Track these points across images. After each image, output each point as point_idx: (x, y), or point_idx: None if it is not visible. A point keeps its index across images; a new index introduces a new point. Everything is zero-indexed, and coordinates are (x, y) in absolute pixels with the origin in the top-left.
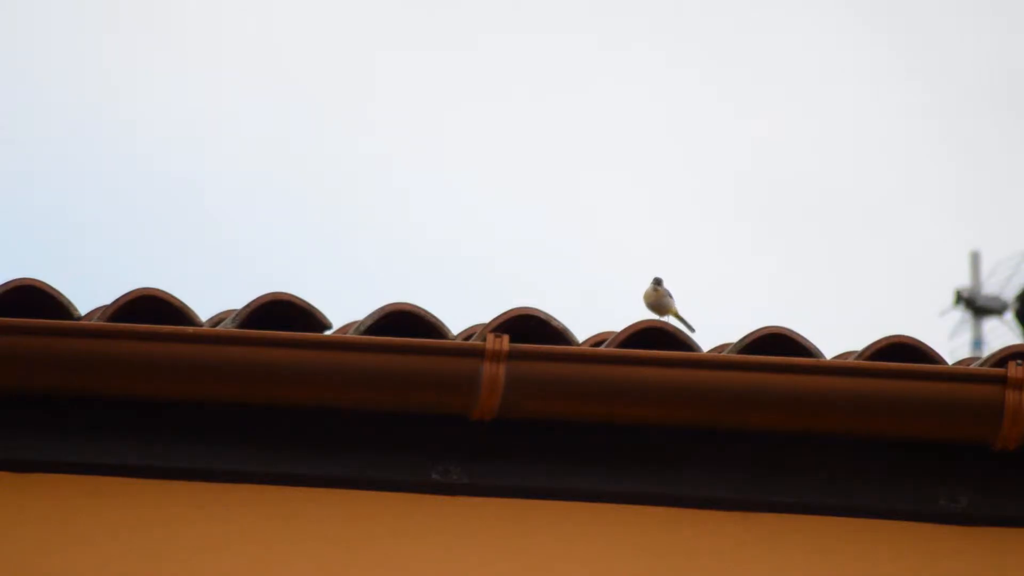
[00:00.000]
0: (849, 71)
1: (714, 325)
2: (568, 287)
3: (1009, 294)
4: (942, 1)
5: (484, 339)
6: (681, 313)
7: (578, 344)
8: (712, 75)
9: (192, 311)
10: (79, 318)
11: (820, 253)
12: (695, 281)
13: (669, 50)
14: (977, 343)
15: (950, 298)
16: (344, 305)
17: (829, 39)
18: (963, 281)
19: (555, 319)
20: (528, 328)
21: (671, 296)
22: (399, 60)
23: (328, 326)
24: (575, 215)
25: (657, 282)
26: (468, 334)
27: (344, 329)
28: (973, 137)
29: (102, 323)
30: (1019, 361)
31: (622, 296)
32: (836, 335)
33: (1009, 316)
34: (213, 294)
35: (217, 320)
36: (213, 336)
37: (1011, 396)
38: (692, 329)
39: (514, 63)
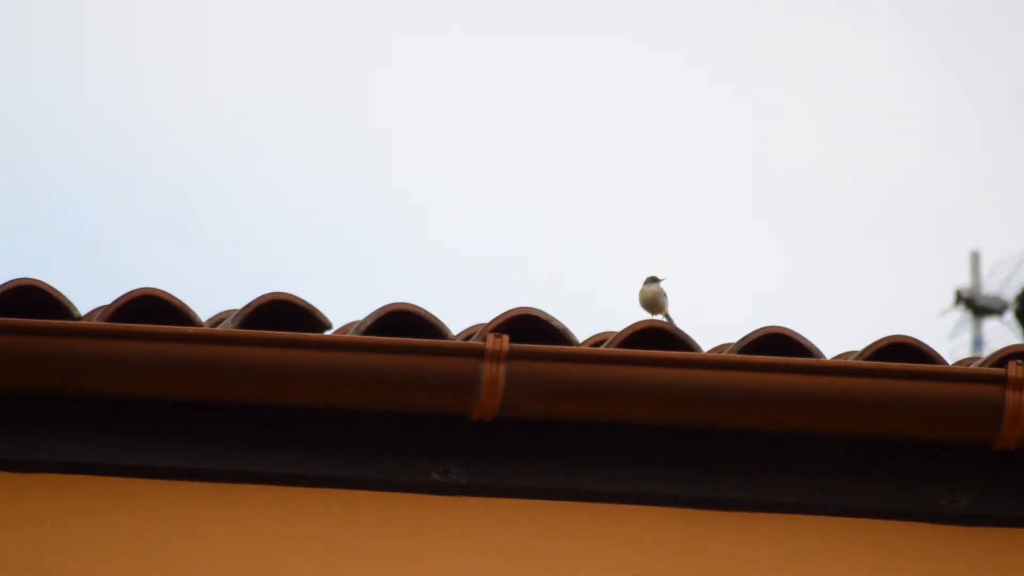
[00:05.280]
0: (850, 71)
1: (714, 325)
2: (569, 286)
3: (1009, 294)
4: (946, 3)
5: (484, 339)
6: (672, 313)
7: (578, 344)
8: (722, 74)
9: (192, 311)
10: (79, 318)
11: (820, 253)
12: (693, 281)
13: (685, 50)
14: (977, 343)
15: (950, 298)
16: (344, 305)
17: (831, 40)
18: (963, 281)
19: (555, 319)
20: (528, 328)
21: (666, 295)
22: (399, 60)
23: (328, 326)
24: (576, 214)
25: (653, 279)
26: (468, 334)
27: (344, 329)
28: (973, 137)
29: (102, 323)
30: (1019, 361)
31: (623, 295)
32: (836, 335)
33: (1009, 316)
34: (213, 294)
35: (217, 320)
36: (213, 336)
37: (1011, 396)
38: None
39: (514, 62)
